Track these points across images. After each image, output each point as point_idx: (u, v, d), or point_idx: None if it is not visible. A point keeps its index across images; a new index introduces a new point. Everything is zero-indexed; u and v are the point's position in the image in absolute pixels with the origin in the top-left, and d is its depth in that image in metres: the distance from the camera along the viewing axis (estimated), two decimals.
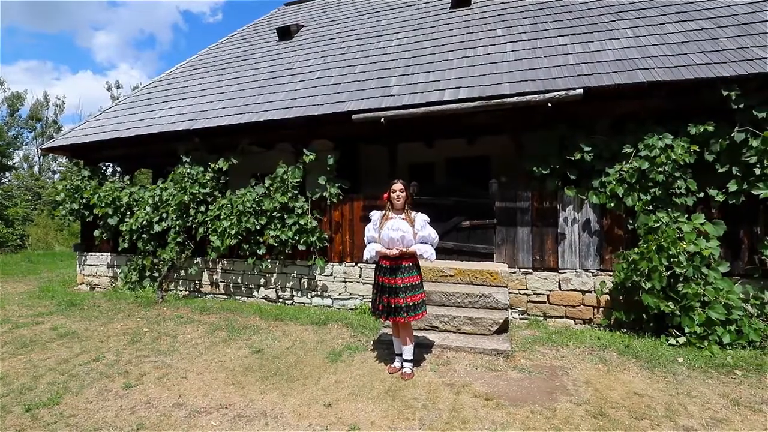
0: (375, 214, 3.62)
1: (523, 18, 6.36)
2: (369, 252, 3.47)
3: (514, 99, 4.61)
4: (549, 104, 4.47)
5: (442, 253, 5.29)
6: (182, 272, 6.79)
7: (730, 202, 4.25)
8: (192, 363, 3.82)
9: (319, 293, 5.98)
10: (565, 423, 2.65)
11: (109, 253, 7.46)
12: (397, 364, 3.58)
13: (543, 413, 2.78)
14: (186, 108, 6.92)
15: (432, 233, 3.46)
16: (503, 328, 4.29)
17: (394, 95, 5.39)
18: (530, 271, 5.06)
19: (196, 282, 6.74)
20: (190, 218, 6.35)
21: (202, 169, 6.39)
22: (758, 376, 3.39)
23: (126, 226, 6.70)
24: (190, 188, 6.29)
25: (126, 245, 6.79)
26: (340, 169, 5.99)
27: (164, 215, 6.49)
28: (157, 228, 6.47)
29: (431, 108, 4.91)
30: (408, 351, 3.49)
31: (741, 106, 4.10)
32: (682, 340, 4.03)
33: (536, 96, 4.53)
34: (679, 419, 2.70)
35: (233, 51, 8.79)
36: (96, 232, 7.16)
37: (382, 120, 5.10)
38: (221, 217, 6.15)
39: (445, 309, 4.54)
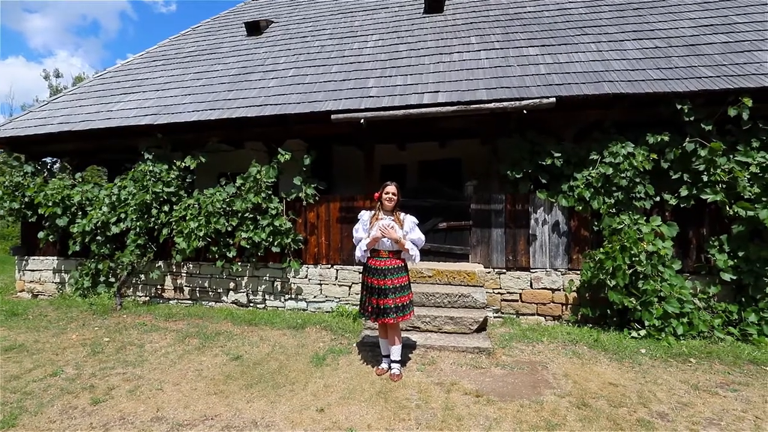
0: (365, 215, 3.59)
1: (494, 27, 6.61)
2: (360, 250, 3.45)
3: (492, 105, 4.77)
4: (524, 111, 4.68)
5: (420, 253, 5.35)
6: (142, 277, 6.35)
7: (681, 206, 4.68)
8: (165, 373, 3.58)
9: (293, 296, 5.83)
10: (553, 414, 2.79)
11: (55, 257, 6.80)
12: (384, 365, 3.58)
13: (531, 407, 2.90)
14: (148, 101, 6.49)
15: (421, 236, 3.51)
16: (482, 326, 4.43)
17: (373, 96, 5.39)
18: (504, 271, 5.26)
19: (158, 287, 6.32)
20: (153, 219, 5.95)
21: (166, 166, 6.01)
22: (709, 363, 3.75)
23: (78, 228, 6.15)
24: (153, 187, 5.90)
25: (77, 248, 6.23)
26: (314, 170, 5.89)
27: (123, 216, 6.03)
28: (114, 229, 5.99)
29: (411, 111, 4.97)
30: (396, 352, 3.50)
31: (692, 119, 4.53)
32: (642, 332, 4.36)
33: (512, 103, 4.72)
34: (652, 405, 2.92)
35: (198, 44, 8.36)
36: (41, 234, 6.49)
37: (362, 121, 5.08)
38: (187, 218, 5.82)
39: (425, 309, 4.60)
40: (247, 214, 5.66)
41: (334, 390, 3.22)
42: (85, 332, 4.76)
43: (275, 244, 5.60)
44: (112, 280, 6.29)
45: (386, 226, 3.31)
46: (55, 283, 6.82)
